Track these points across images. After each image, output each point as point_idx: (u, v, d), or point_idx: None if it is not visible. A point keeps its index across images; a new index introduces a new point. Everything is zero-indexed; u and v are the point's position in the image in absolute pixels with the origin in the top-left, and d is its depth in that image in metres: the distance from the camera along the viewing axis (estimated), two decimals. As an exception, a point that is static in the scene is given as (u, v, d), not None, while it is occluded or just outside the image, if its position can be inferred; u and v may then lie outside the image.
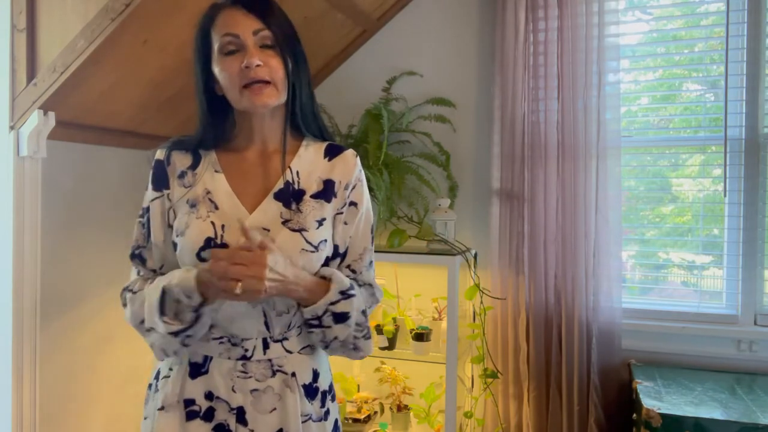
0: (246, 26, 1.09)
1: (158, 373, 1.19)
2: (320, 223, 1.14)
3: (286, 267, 1.05)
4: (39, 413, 1.87)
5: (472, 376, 2.36)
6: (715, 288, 2.26)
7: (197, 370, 1.12)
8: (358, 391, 2.44)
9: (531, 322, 2.23)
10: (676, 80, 2.40)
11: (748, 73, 2.14)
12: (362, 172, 1.24)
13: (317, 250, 1.12)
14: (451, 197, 2.38)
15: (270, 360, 1.12)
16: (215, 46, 1.12)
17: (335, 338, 1.14)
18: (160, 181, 1.18)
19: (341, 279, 1.13)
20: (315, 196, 1.16)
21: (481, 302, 2.23)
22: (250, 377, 1.11)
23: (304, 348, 1.16)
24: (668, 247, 2.33)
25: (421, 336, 2.19)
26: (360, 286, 1.20)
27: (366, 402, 2.38)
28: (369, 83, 2.53)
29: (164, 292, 1.07)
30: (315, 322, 1.12)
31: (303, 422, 1.12)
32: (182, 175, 1.17)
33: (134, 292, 1.15)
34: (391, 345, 2.26)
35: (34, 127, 1.75)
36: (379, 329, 2.26)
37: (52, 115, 1.78)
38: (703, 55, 2.31)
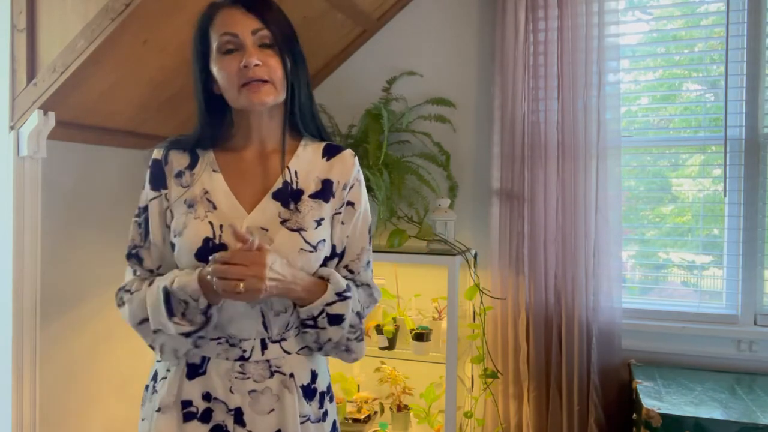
0: (245, 25, 1.09)
1: (155, 374, 1.19)
2: (319, 222, 1.14)
3: (284, 266, 1.05)
4: (39, 413, 1.87)
5: (472, 376, 2.36)
6: (715, 288, 2.26)
7: (195, 371, 1.12)
8: (358, 391, 2.44)
9: (531, 322, 2.23)
10: (676, 80, 2.40)
11: (748, 73, 2.14)
12: (360, 172, 1.24)
13: (316, 250, 1.12)
14: (451, 197, 2.38)
15: (268, 361, 1.12)
16: (214, 46, 1.11)
17: (329, 340, 1.14)
18: (158, 181, 1.17)
19: (338, 280, 1.13)
20: (313, 196, 1.16)
21: (481, 302, 2.23)
22: (248, 378, 1.10)
23: (302, 349, 1.16)
24: (668, 247, 2.33)
25: (421, 336, 2.19)
26: (358, 286, 1.20)
27: (366, 402, 2.38)
28: (369, 83, 2.53)
29: (168, 294, 1.07)
30: (310, 323, 1.12)
31: (301, 423, 1.12)
32: (180, 175, 1.17)
33: (131, 293, 1.14)
34: (391, 345, 2.26)
35: (34, 127, 1.75)
36: (379, 329, 2.26)
37: (52, 115, 1.78)
38: (703, 55, 2.31)
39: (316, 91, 2.62)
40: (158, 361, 1.19)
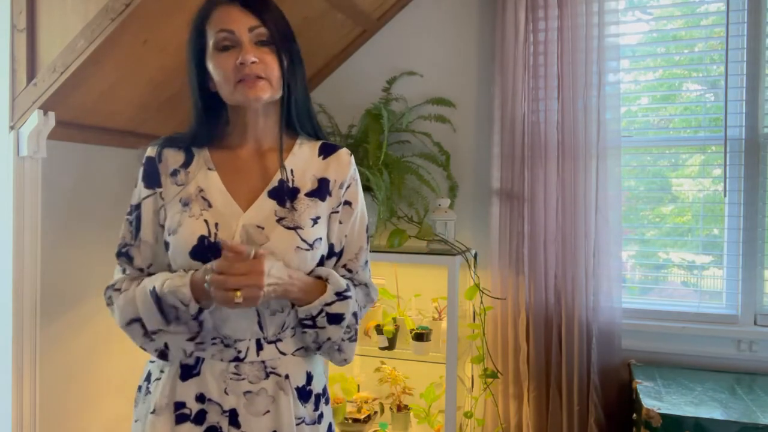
0: (242, 23, 1.09)
1: (149, 375, 1.17)
2: (315, 221, 1.13)
3: (281, 270, 1.05)
4: (39, 413, 1.87)
5: (472, 376, 2.36)
6: (715, 288, 2.26)
7: (188, 371, 1.11)
8: (358, 391, 2.44)
9: (531, 322, 2.23)
10: (676, 80, 2.40)
11: (748, 73, 2.14)
12: (356, 171, 1.23)
13: (312, 248, 1.11)
14: (451, 197, 2.38)
15: (263, 362, 1.11)
16: (210, 42, 1.11)
17: (328, 339, 1.13)
18: (152, 179, 1.16)
19: (337, 280, 1.13)
20: (309, 195, 1.15)
21: (481, 302, 2.23)
22: (243, 379, 1.09)
23: (298, 350, 1.15)
24: (668, 247, 2.33)
25: (421, 336, 2.19)
26: (356, 286, 1.20)
27: (366, 402, 2.38)
28: (369, 83, 2.53)
29: (159, 299, 1.06)
30: (309, 323, 1.11)
31: (296, 425, 1.11)
32: (174, 173, 1.16)
33: (120, 291, 1.12)
34: (391, 345, 2.26)
35: (34, 127, 1.75)
36: (379, 329, 2.26)
37: (52, 115, 1.78)
38: (703, 55, 2.31)
39: (316, 91, 2.62)
40: (151, 362, 1.18)
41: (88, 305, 2.09)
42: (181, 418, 1.09)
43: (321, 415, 1.18)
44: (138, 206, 1.16)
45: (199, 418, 1.09)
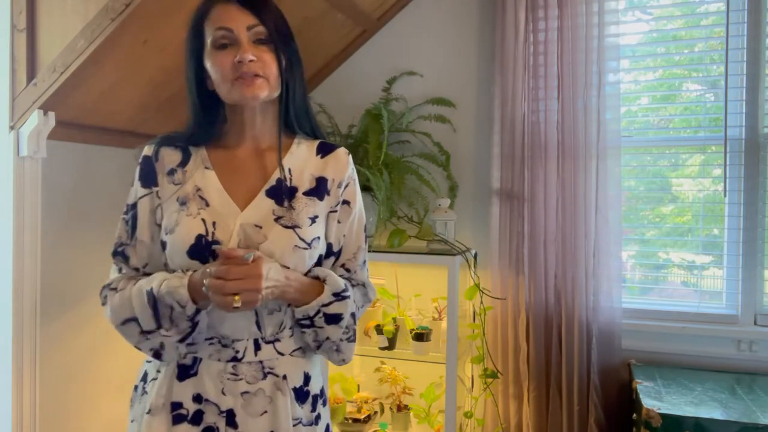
0: (240, 21, 1.08)
1: (145, 374, 1.17)
2: (313, 220, 1.13)
3: (278, 272, 1.04)
4: (39, 413, 1.87)
5: (472, 376, 2.36)
6: (715, 288, 2.26)
7: (186, 372, 1.10)
8: (358, 391, 2.44)
9: (531, 322, 2.22)
10: (676, 80, 2.40)
11: (748, 73, 2.14)
12: (354, 170, 1.23)
13: (310, 247, 1.11)
14: (451, 197, 2.38)
15: (261, 362, 1.10)
16: (208, 40, 1.10)
17: (327, 338, 1.13)
18: (148, 178, 1.16)
19: (335, 281, 1.12)
20: (307, 194, 1.15)
21: (481, 302, 2.23)
22: (241, 379, 1.09)
23: (296, 350, 1.15)
24: (668, 247, 2.33)
25: (421, 336, 2.19)
26: (354, 286, 1.20)
27: (366, 402, 2.38)
28: (369, 83, 2.53)
29: (155, 299, 1.05)
30: (306, 323, 1.11)
31: (293, 426, 1.10)
32: (171, 173, 1.15)
33: (116, 291, 1.12)
34: (391, 345, 2.26)
35: (34, 127, 1.75)
36: (379, 329, 2.26)
37: (52, 115, 1.78)
38: (703, 55, 2.31)
39: (316, 91, 2.62)
40: (148, 362, 1.17)
41: (88, 305, 2.09)
42: (177, 419, 1.08)
43: (318, 417, 1.18)
44: (134, 205, 1.16)
45: (196, 418, 1.08)
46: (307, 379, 1.16)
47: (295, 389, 1.13)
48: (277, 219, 1.10)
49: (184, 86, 1.18)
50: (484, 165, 2.38)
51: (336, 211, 1.18)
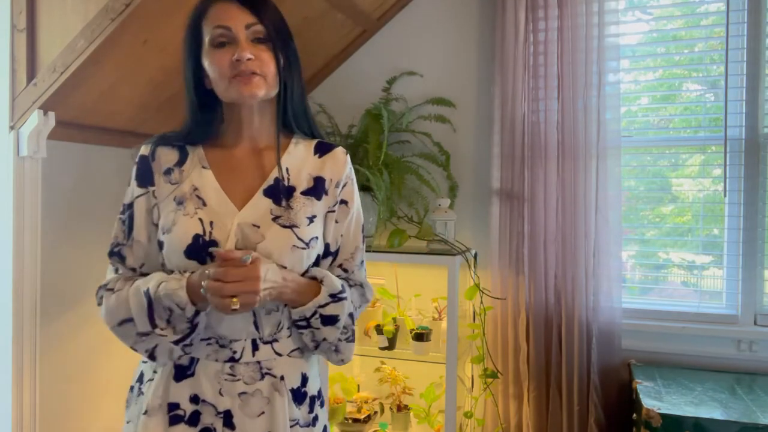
0: (239, 19, 1.08)
1: (141, 375, 1.16)
2: (311, 220, 1.12)
3: (275, 273, 1.04)
4: (39, 413, 1.87)
5: (472, 376, 2.36)
6: (715, 288, 2.26)
7: (182, 372, 1.09)
8: (358, 391, 2.44)
9: (531, 322, 2.22)
10: (676, 80, 2.40)
11: (748, 73, 2.14)
12: (352, 170, 1.22)
13: (308, 247, 1.11)
14: (451, 197, 2.38)
15: (259, 362, 1.10)
16: (206, 39, 1.10)
17: (324, 339, 1.13)
18: (145, 178, 1.15)
19: (332, 282, 1.12)
20: (305, 193, 1.14)
21: (481, 302, 2.23)
22: (239, 380, 1.08)
23: (293, 351, 1.14)
24: (668, 247, 2.33)
25: (421, 336, 2.19)
26: (351, 286, 1.19)
27: (366, 402, 2.38)
28: (369, 83, 2.53)
29: (152, 300, 1.05)
30: (303, 324, 1.11)
31: (290, 427, 1.10)
32: (168, 172, 1.14)
33: (113, 291, 1.11)
34: (391, 345, 2.26)
35: (34, 127, 1.75)
36: (379, 329, 2.26)
37: (52, 115, 1.78)
38: (703, 55, 2.31)
39: (316, 91, 2.62)
40: (144, 362, 1.17)
41: (88, 305, 2.09)
42: (174, 420, 1.08)
43: (316, 418, 1.17)
44: (130, 205, 1.15)
45: (193, 419, 1.07)
46: (304, 380, 1.15)
47: (292, 390, 1.12)
48: (275, 218, 1.10)
49: (184, 86, 1.18)
50: (484, 165, 2.38)
51: (334, 211, 1.17)
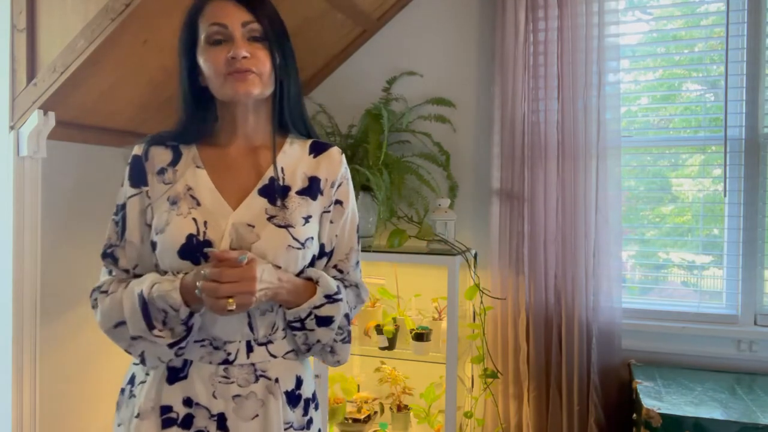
0: (235, 17, 1.07)
1: (133, 377, 1.14)
2: (307, 219, 1.11)
3: (271, 273, 1.03)
4: (39, 413, 1.87)
5: (472, 376, 2.36)
6: (715, 288, 2.26)
7: (175, 375, 1.08)
8: (358, 391, 2.44)
9: (531, 322, 2.22)
10: (676, 80, 2.40)
11: (748, 73, 2.14)
12: (348, 170, 1.22)
13: (304, 247, 1.10)
14: (451, 197, 2.38)
15: (253, 364, 1.08)
16: (202, 36, 1.09)
17: (318, 341, 1.12)
18: (138, 178, 1.14)
19: (327, 282, 1.11)
20: (300, 193, 1.13)
21: (481, 302, 2.23)
22: (233, 382, 1.06)
23: (288, 353, 1.13)
24: (668, 247, 2.33)
25: (421, 336, 2.19)
26: (346, 287, 1.18)
27: (366, 402, 2.38)
28: (369, 83, 2.53)
29: (146, 302, 1.04)
30: (297, 325, 1.10)
31: (285, 430, 1.09)
32: (162, 172, 1.13)
33: (107, 294, 1.10)
34: (391, 345, 2.26)
35: (34, 127, 1.75)
36: (379, 329, 2.26)
37: (52, 115, 1.78)
38: (703, 55, 2.31)
39: (316, 91, 2.62)
40: (135, 364, 1.15)
41: (88, 305, 2.07)
42: (167, 423, 1.06)
43: (310, 421, 1.16)
44: (123, 206, 1.14)
45: (186, 422, 1.06)
46: (299, 382, 1.14)
47: (287, 393, 1.11)
48: (270, 218, 1.09)
49: (178, 83, 1.17)
50: (484, 165, 2.38)
51: (329, 212, 1.17)
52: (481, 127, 2.41)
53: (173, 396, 1.07)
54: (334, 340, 1.15)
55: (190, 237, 1.06)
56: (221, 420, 1.06)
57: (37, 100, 1.74)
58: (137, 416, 1.07)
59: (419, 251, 2.25)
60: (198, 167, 1.13)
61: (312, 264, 1.15)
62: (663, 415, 1.70)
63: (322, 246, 1.17)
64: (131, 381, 1.15)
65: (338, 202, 1.18)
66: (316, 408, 1.20)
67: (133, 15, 1.60)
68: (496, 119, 2.28)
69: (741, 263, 2.16)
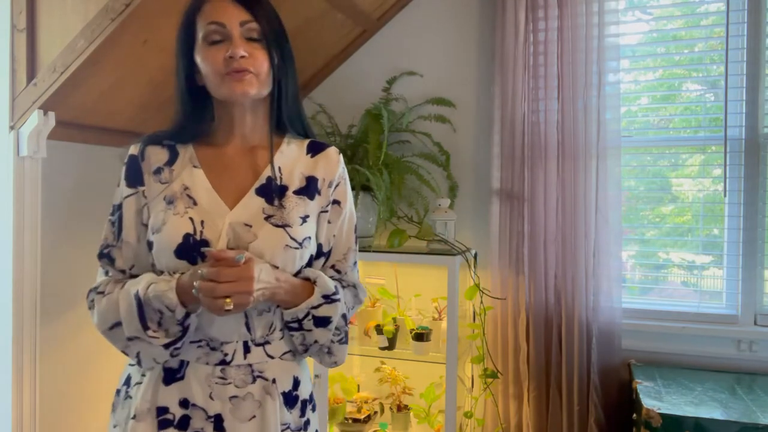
0: (233, 16, 1.07)
1: (128, 378, 1.14)
2: (304, 219, 1.11)
3: (269, 273, 1.03)
4: (39, 413, 1.87)
5: (472, 376, 2.36)
6: (715, 288, 2.26)
7: (172, 375, 1.07)
8: (358, 391, 2.44)
9: (531, 322, 2.22)
10: (676, 80, 2.40)
11: (748, 73, 2.14)
12: (345, 170, 1.21)
13: (301, 247, 1.09)
14: (451, 197, 2.38)
15: (250, 365, 1.08)
16: (199, 35, 1.09)
17: (315, 342, 1.11)
18: (134, 178, 1.13)
19: (325, 283, 1.11)
20: (298, 192, 1.13)
21: (481, 302, 2.23)
22: (230, 383, 1.06)
23: (285, 353, 1.12)
24: (668, 247, 2.33)
25: (421, 336, 2.19)
26: (344, 287, 1.18)
27: (366, 402, 2.39)
28: (369, 83, 2.53)
29: (141, 302, 1.03)
30: (295, 325, 1.09)
31: (281, 431, 1.08)
32: (158, 171, 1.13)
33: (104, 294, 1.10)
34: (391, 345, 2.26)
35: (34, 127, 1.75)
36: (379, 329, 2.26)
37: (52, 115, 1.78)
38: (703, 55, 2.31)
39: (316, 91, 2.62)
40: (131, 365, 1.15)
41: (88, 305, 2.09)
42: (163, 424, 1.05)
43: (307, 422, 1.15)
44: (120, 206, 1.14)
45: (183, 423, 1.05)
46: (296, 383, 1.13)
47: (284, 393, 1.10)
48: (268, 218, 1.08)
49: (175, 82, 1.17)
50: (484, 165, 2.38)
51: (327, 211, 1.16)
52: (481, 127, 2.41)
53: (169, 397, 1.06)
54: (332, 341, 1.14)
55: (186, 236, 1.05)
56: (218, 421, 1.05)
57: (37, 100, 1.74)
58: (133, 417, 1.06)
59: (419, 251, 2.25)
60: (195, 167, 1.13)
61: (309, 264, 1.15)
62: (663, 415, 1.70)
63: (319, 246, 1.16)
64: (127, 382, 1.14)
65: (336, 202, 1.18)
66: (314, 409, 1.19)
67: (133, 15, 1.60)
68: (496, 119, 2.28)
69: (741, 263, 2.16)
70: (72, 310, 2.02)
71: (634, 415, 1.90)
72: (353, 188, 2.09)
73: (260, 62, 1.08)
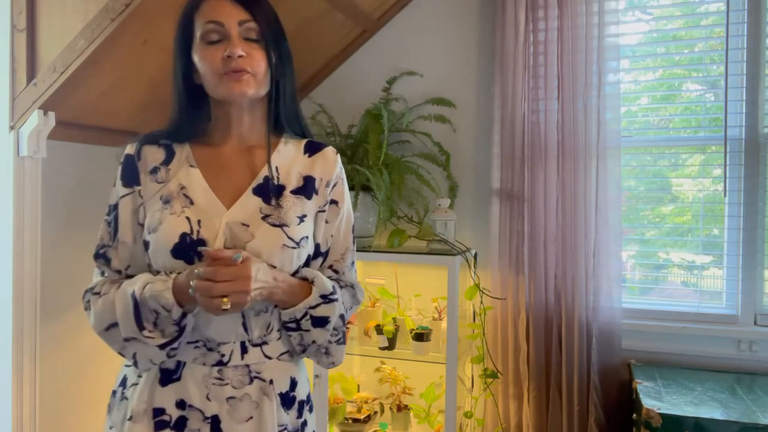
0: (232, 15, 1.07)
1: (125, 379, 1.13)
2: (301, 219, 1.11)
3: (266, 273, 1.02)
4: (39, 412, 1.87)
5: (472, 376, 2.36)
6: (715, 288, 2.26)
7: (168, 376, 1.06)
8: (358, 391, 2.44)
9: (531, 322, 2.22)
10: (676, 80, 2.40)
11: (748, 73, 2.14)
12: (343, 170, 1.21)
13: (299, 247, 1.09)
14: (451, 197, 2.38)
15: (248, 366, 1.07)
16: (197, 34, 1.09)
17: (313, 342, 1.11)
18: (130, 177, 1.13)
19: (323, 283, 1.10)
20: (295, 192, 1.13)
21: (481, 302, 2.23)
22: (227, 384, 1.05)
23: (283, 354, 1.12)
24: (668, 247, 2.33)
25: (421, 336, 2.19)
26: (342, 287, 1.18)
27: (366, 402, 2.39)
28: (369, 83, 2.53)
29: (137, 302, 1.02)
30: (293, 325, 1.09)
31: None
32: (155, 171, 1.13)
33: (100, 295, 1.09)
34: (391, 345, 2.26)
35: (34, 127, 1.75)
36: (379, 329, 2.26)
37: (52, 115, 1.78)
38: (703, 55, 2.31)
39: (316, 91, 2.62)
40: (127, 366, 1.14)
41: (88, 305, 2.09)
42: (160, 425, 1.05)
43: (305, 423, 1.15)
44: (116, 206, 1.13)
45: (180, 425, 1.05)
46: (293, 384, 1.13)
47: (281, 394, 1.10)
48: (265, 217, 1.08)
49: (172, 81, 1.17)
50: (484, 165, 2.38)
51: (324, 211, 1.16)
52: (481, 127, 2.41)
53: (166, 398, 1.06)
54: (329, 341, 1.14)
55: (183, 236, 1.05)
56: (215, 422, 1.05)
57: (37, 100, 1.74)
58: (129, 419, 1.06)
59: (419, 251, 2.25)
60: (191, 166, 1.13)
61: (307, 264, 1.14)
62: (663, 415, 1.70)
63: (317, 246, 1.16)
64: (123, 383, 1.13)
65: (333, 201, 1.18)
66: (311, 410, 1.19)
67: (133, 15, 1.60)
68: (496, 119, 2.28)
69: (741, 263, 2.16)
70: (72, 310, 2.02)
71: (634, 415, 1.90)
72: (353, 188, 2.10)
73: (258, 62, 1.08)
